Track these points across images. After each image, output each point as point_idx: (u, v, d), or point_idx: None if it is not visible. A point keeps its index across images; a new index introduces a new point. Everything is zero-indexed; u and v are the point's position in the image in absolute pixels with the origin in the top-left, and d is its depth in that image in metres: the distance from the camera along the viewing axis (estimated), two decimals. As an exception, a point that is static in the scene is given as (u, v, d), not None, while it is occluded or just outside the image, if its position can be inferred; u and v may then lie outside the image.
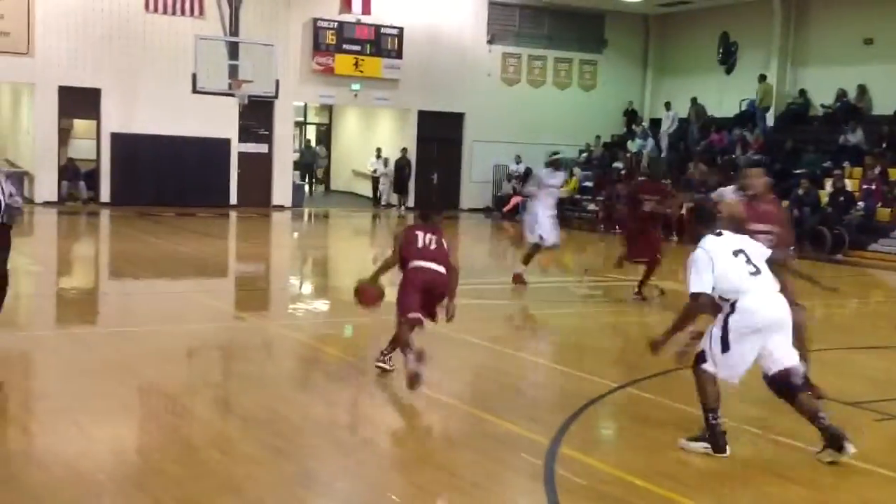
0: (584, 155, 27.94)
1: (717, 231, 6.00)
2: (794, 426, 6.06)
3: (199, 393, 7.04)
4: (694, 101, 26.57)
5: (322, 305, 12.10)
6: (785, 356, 5.80)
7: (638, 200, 12.01)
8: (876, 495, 5.36)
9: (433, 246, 7.17)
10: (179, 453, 5.58)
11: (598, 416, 6.80)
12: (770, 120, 25.32)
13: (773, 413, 6.88)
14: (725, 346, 5.76)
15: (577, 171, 26.66)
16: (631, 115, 29.09)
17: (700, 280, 5.76)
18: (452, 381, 7.75)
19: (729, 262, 5.79)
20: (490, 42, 27.78)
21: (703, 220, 6.20)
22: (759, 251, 5.99)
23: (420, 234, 7.22)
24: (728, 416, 5.99)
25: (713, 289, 5.77)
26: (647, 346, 6.13)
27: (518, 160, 27.27)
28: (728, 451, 5.77)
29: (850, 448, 5.59)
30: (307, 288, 13.94)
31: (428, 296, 7.09)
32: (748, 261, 5.85)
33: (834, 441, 5.62)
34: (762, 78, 25.09)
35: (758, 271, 5.83)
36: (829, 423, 5.68)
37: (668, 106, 27.16)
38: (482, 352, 8.91)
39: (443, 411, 6.78)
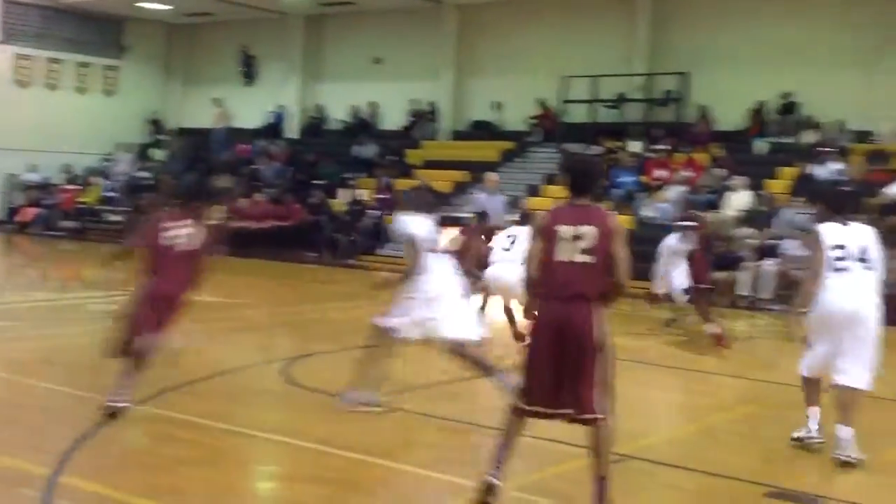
0: (108, 164, 26.79)
1: None
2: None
3: None
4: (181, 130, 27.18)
5: None
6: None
7: None
8: (379, 486, 5.76)
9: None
10: None
11: (107, 439, 6.50)
12: (292, 132, 26.38)
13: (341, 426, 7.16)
14: None
15: (99, 180, 25.51)
16: (155, 124, 28.50)
17: None
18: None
19: None
20: (2, 42, 25.51)
21: None
22: None
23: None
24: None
25: None
26: None
27: (33, 169, 25.41)
28: None
29: None
30: None
31: None
32: None
33: None
34: (216, 101, 26.07)
35: None
36: None
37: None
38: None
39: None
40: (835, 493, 5.83)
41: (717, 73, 20.36)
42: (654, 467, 6.22)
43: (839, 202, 6.75)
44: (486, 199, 14.93)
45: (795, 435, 6.65)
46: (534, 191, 19.77)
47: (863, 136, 18.28)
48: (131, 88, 28.46)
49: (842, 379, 6.38)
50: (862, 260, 6.41)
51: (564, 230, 4.99)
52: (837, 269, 6.34)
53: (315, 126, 26.32)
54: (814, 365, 6.59)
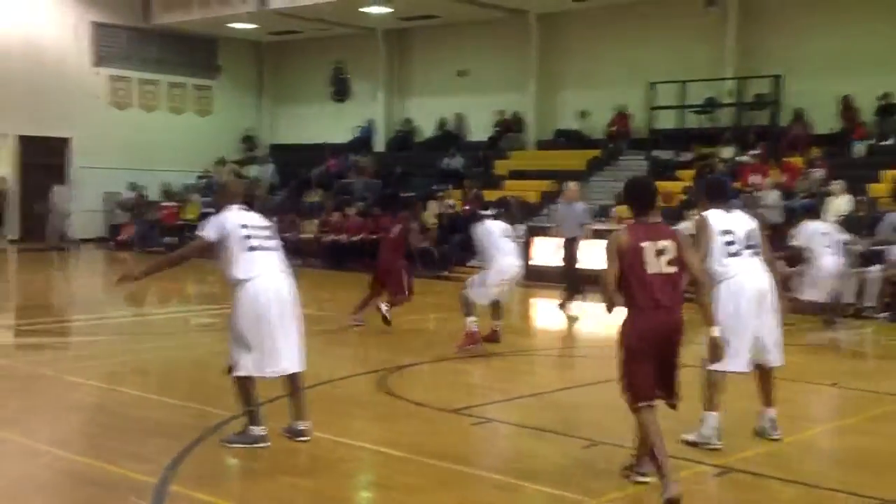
0: (204, 181, 27.49)
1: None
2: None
3: None
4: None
5: None
6: None
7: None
8: (476, 496, 5.77)
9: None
10: None
11: (212, 448, 6.65)
12: (381, 146, 26.73)
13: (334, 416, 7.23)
14: None
15: (196, 197, 26.18)
16: (249, 142, 29.19)
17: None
18: (51, 426, 7.22)
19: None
20: (96, 64, 26.51)
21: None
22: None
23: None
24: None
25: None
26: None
27: (132, 187, 26.23)
28: None
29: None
30: None
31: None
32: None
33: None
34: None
35: None
36: None
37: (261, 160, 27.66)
38: (88, 392, 8.41)
39: (37, 460, 6.26)
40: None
41: (810, 76, 19.85)
42: (757, 479, 6.08)
43: None
44: (565, 209, 14.84)
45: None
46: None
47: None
48: (225, 107, 29.21)
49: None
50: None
51: (648, 246, 5.40)
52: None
53: (403, 139, 26.58)
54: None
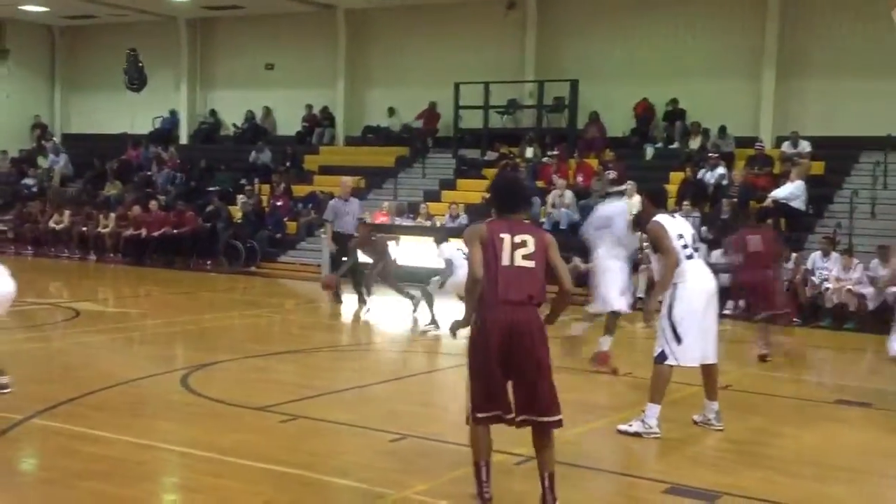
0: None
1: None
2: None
3: None
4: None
5: None
6: None
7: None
8: (283, 494, 5.71)
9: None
10: None
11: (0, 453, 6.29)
12: (184, 138, 25.93)
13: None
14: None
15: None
16: (41, 130, 27.59)
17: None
18: None
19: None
20: None
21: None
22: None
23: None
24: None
25: None
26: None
27: None
28: None
29: None
30: None
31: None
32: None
33: None
34: None
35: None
36: None
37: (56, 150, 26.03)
38: None
39: None
40: (733, 488, 6.02)
41: (604, 81, 20.83)
42: (562, 468, 6.35)
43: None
44: (340, 204, 15.07)
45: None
46: (431, 195, 19.89)
47: (746, 142, 19.00)
48: (15, 93, 27.47)
49: None
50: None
51: (506, 237, 5.09)
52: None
53: (208, 132, 25.90)
54: None
